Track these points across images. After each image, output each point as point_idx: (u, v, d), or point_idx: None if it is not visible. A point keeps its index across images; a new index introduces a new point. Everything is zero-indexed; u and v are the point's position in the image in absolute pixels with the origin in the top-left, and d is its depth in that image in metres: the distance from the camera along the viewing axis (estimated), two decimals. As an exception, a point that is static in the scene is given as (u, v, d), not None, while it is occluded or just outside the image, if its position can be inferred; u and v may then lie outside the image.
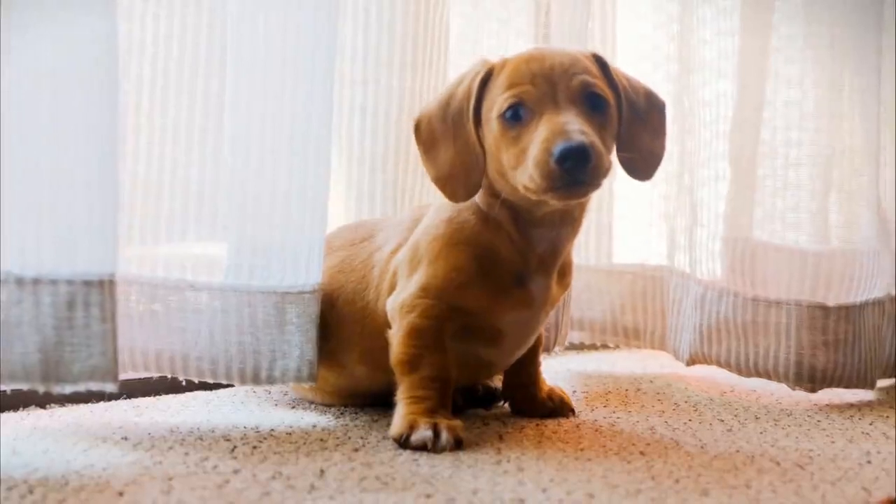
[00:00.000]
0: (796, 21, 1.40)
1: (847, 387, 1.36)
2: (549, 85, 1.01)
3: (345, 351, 1.14)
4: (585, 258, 1.56)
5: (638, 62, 1.58)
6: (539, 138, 0.98)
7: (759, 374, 1.38)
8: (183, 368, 1.11)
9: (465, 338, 1.08)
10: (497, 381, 1.25)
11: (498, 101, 1.02)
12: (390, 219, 1.23)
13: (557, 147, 0.95)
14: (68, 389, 0.95)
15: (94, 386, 0.95)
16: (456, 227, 1.08)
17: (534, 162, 0.97)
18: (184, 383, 1.15)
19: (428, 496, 0.85)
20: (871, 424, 1.20)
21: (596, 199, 1.57)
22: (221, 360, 1.10)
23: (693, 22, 1.46)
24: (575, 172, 0.96)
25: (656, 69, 1.56)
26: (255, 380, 1.11)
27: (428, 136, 1.08)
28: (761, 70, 1.42)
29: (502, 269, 1.07)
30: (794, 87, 1.41)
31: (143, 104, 1.12)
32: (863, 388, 1.37)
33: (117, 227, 0.98)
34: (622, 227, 1.61)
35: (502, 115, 1.01)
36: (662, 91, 1.52)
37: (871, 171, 1.43)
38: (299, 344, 1.11)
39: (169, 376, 1.12)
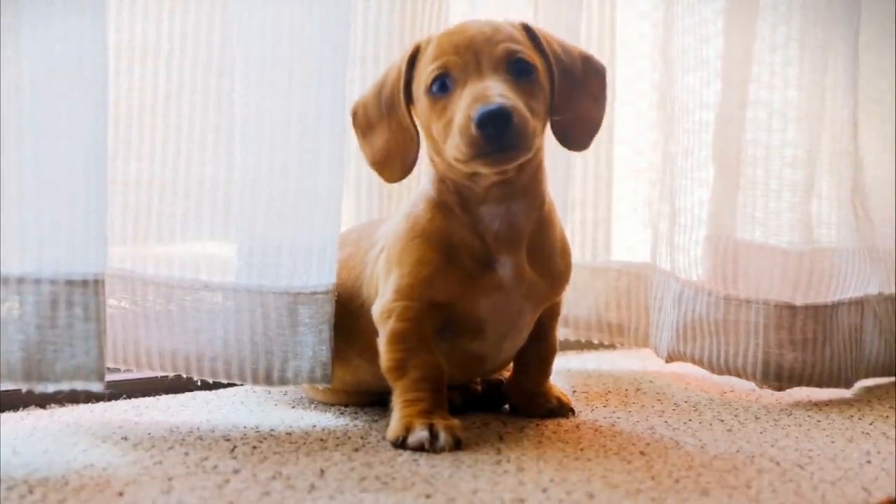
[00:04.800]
0: (781, 22, 1.39)
1: (818, 386, 1.35)
2: (472, 54, 1.01)
3: (348, 344, 1.14)
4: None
5: (635, 60, 1.58)
6: (462, 105, 0.99)
7: (729, 372, 1.37)
8: (198, 369, 1.11)
9: (449, 333, 1.08)
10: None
11: (424, 75, 1.04)
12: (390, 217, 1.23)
13: (477, 112, 0.96)
14: (51, 388, 0.95)
15: (79, 385, 0.95)
16: (413, 222, 1.08)
17: (458, 129, 0.98)
18: (185, 378, 1.15)
19: (428, 496, 0.85)
20: (871, 424, 1.20)
21: (592, 196, 1.58)
22: (235, 361, 1.11)
23: (678, 22, 1.45)
24: (497, 137, 0.96)
25: (654, 67, 1.55)
26: (268, 380, 1.11)
27: (364, 122, 1.10)
28: (746, 71, 1.41)
29: (463, 255, 1.06)
30: (777, 87, 1.40)
31: (157, 104, 1.12)
32: (836, 387, 1.36)
33: (105, 227, 0.98)
34: (613, 225, 1.60)
35: (429, 89, 1.03)
36: (657, 91, 1.54)
37: (848, 170, 1.42)
38: (312, 345, 1.11)
39: (178, 375, 1.13)
